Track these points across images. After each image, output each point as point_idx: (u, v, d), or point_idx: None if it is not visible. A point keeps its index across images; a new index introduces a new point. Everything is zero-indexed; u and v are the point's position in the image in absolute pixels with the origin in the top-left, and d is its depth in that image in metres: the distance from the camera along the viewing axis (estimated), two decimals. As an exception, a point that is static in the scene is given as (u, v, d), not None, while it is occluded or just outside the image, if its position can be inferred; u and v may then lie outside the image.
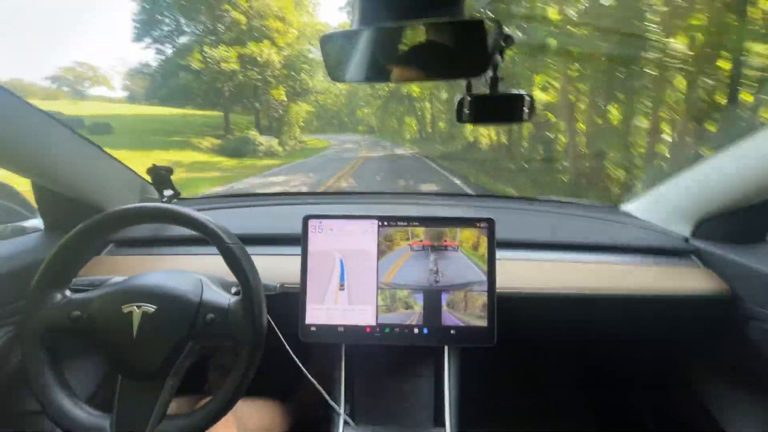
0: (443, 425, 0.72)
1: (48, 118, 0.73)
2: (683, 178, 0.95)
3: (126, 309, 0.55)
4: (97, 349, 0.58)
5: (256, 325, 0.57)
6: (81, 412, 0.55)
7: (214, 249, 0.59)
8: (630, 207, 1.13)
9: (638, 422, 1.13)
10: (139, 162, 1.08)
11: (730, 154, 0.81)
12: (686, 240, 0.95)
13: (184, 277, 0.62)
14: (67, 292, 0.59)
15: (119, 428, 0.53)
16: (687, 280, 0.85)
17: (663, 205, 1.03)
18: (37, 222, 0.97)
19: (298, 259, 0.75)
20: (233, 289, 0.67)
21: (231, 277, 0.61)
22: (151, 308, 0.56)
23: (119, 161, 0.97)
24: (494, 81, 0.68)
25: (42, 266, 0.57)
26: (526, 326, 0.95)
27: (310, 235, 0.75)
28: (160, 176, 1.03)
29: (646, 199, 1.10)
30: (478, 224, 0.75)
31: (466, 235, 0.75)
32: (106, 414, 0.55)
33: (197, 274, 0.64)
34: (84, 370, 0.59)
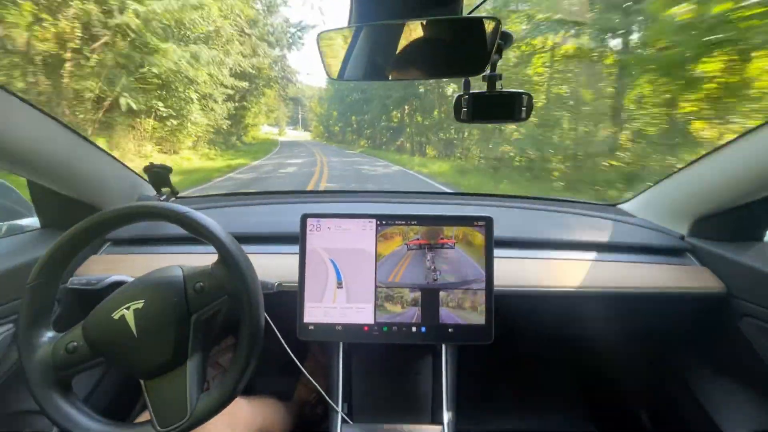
0: (441, 422, 0.72)
1: (44, 116, 0.73)
2: (679, 177, 0.95)
3: (116, 315, 0.55)
4: (107, 366, 0.57)
5: (244, 272, 0.55)
6: (121, 430, 0.54)
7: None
8: (627, 206, 1.14)
9: (634, 418, 1.14)
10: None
11: (725, 154, 0.81)
12: (682, 238, 0.95)
13: (160, 268, 0.61)
14: (50, 334, 0.57)
15: (163, 426, 0.52)
16: (683, 278, 0.86)
17: (659, 203, 1.04)
18: (33, 220, 0.96)
19: (296, 257, 0.75)
20: None
21: None
22: (139, 303, 0.55)
23: (117, 159, 0.96)
24: (492, 79, 0.68)
25: (24, 304, 0.55)
26: (523, 324, 0.95)
27: (308, 233, 0.75)
28: (158, 175, 1.03)
29: (642, 198, 1.10)
30: (476, 223, 0.75)
31: (464, 233, 0.75)
32: (146, 421, 0.54)
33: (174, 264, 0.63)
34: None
